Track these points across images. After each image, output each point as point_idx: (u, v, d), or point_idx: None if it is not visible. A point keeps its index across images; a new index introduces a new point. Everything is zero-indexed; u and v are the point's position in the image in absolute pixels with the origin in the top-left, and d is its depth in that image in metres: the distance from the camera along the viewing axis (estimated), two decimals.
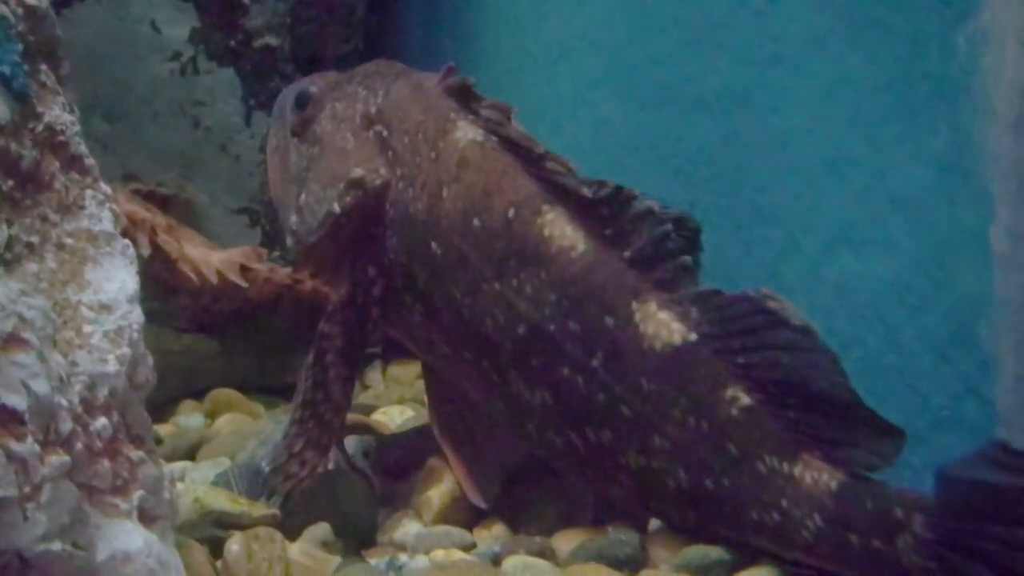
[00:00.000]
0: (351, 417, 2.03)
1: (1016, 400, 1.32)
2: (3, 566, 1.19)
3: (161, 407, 2.29)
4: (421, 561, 1.70)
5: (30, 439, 1.21)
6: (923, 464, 1.66)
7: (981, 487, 1.37)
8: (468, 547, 1.78)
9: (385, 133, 1.93)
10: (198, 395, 2.43)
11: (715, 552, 1.67)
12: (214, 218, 2.89)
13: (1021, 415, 1.31)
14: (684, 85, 2.26)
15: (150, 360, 1.49)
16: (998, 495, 1.33)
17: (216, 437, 2.17)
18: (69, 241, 1.47)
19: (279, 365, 2.54)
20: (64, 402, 1.28)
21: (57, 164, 1.50)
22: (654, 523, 1.78)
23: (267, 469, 1.86)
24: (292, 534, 1.73)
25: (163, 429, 2.25)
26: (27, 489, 1.20)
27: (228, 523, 1.71)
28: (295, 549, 1.66)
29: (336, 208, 1.90)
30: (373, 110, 1.96)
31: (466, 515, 1.85)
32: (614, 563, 1.67)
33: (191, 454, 2.12)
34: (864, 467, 1.60)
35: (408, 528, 1.83)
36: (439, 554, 1.72)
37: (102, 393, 1.36)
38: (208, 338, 2.49)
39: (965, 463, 1.41)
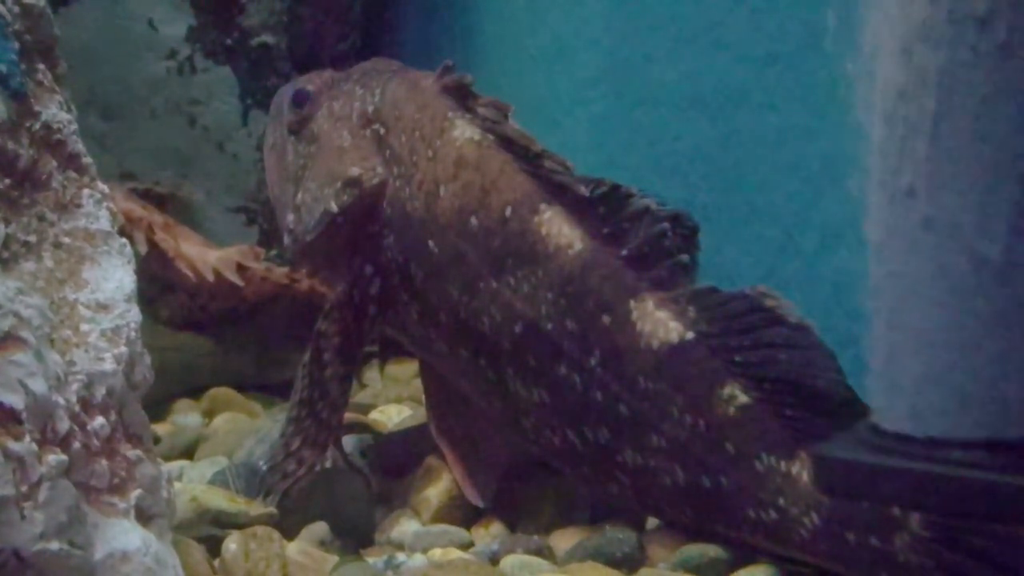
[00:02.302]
0: (348, 416, 2.03)
1: (884, 385, 1.34)
2: (1, 565, 1.19)
3: (158, 405, 2.29)
4: (419, 560, 1.70)
5: (27, 438, 1.21)
6: None
7: (851, 466, 1.39)
8: (466, 545, 1.78)
9: (382, 132, 1.93)
10: (195, 394, 2.43)
11: (713, 550, 1.67)
12: (211, 216, 2.88)
13: (889, 396, 1.33)
14: (681, 83, 2.26)
15: (147, 359, 1.50)
16: (869, 474, 1.35)
17: (213, 436, 2.17)
18: (66, 240, 1.47)
19: (276, 363, 2.54)
20: (62, 401, 1.28)
21: (54, 163, 1.50)
22: (652, 521, 1.79)
23: (264, 468, 1.86)
24: (290, 533, 1.73)
25: (160, 428, 2.25)
26: (24, 488, 1.20)
27: (226, 522, 1.71)
28: (293, 548, 1.66)
29: (333, 207, 1.90)
30: (370, 109, 1.96)
31: (464, 514, 1.85)
32: (612, 561, 1.67)
33: (188, 453, 2.12)
34: None
35: (406, 527, 1.83)
36: (437, 553, 1.72)
37: (100, 392, 1.36)
38: (205, 336, 2.49)
39: (837, 444, 1.42)
